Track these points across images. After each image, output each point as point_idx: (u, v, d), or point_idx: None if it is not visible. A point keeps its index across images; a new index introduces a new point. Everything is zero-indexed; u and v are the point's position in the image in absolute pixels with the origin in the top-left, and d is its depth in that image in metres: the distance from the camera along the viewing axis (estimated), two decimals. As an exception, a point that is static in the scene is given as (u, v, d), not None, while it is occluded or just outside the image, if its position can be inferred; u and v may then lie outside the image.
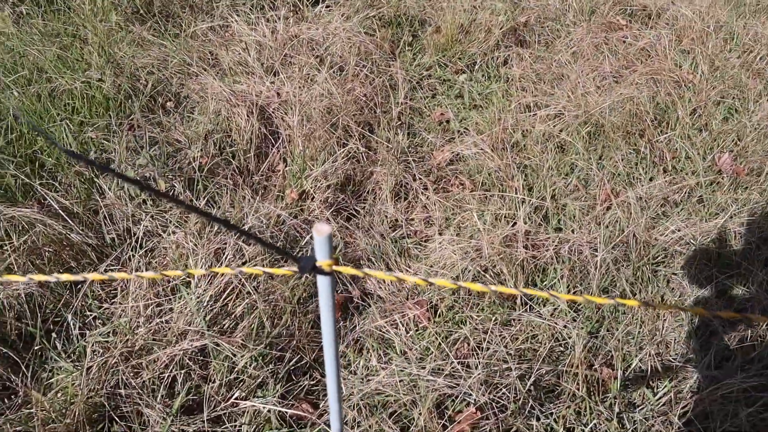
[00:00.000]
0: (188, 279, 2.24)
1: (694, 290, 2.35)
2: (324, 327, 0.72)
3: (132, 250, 2.37)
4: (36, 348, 2.11)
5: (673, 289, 2.37)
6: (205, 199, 2.50)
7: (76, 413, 1.90)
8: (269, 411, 1.96)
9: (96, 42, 3.22)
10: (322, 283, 0.67)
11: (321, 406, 2.03)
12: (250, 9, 3.63)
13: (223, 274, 2.21)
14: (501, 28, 3.63)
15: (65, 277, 0.99)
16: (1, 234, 2.34)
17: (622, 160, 2.82)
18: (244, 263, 2.27)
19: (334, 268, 0.67)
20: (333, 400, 0.82)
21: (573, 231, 2.46)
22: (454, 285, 0.74)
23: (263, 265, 2.28)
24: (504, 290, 0.79)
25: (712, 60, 3.45)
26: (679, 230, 2.50)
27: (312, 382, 2.10)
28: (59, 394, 1.99)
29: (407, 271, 2.42)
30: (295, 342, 2.12)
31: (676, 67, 3.40)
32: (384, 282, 2.34)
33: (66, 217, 2.40)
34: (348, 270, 0.71)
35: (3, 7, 3.40)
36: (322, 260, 0.65)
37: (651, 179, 2.77)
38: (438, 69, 3.50)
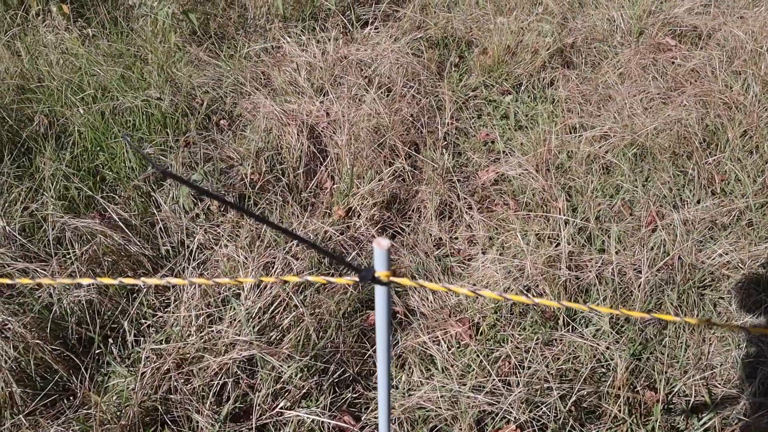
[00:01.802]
0: (238, 290, 2.32)
1: (741, 315, 2.32)
2: (378, 334, 0.78)
3: (185, 262, 2.47)
4: (94, 352, 2.22)
5: (719, 313, 2.35)
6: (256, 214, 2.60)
7: (131, 416, 2.00)
8: (313, 421, 2.02)
9: (156, 62, 3.38)
10: (380, 292, 0.73)
11: (363, 419, 2.08)
12: (302, 31, 3.74)
13: (272, 286, 2.29)
14: (548, 50, 3.66)
15: (128, 281, 1.07)
16: (65, 243, 2.48)
17: (669, 182, 2.81)
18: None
19: (391, 278, 0.73)
20: (382, 409, 0.87)
21: (617, 252, 2.47)
22: (500, 297, 0.78)
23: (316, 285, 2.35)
24: (545, 302, 0.83)
25: (764, 81, 3.40)
26: (726, 254, 2.48)
27: (355, 395, 2.15)
28: (115, 397, 2.09)
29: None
30: (339, 355, 2.18)
31: (726, 89, 3.37)
32: (428, 299, 2.39)
33: (125, 229, 2.52)
34: (404, 281, 0.76)
35: (72, 29, 3.59)
36: (381, 271, 0.71)
37: (698, 201, 2.75)
38: (484, 90, 3.55)
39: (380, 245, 0.69)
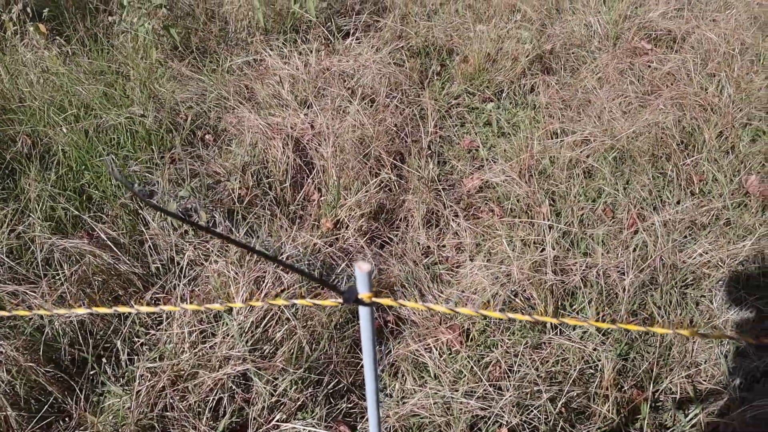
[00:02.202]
0: (230, 306, 2.34)
1: (722, 313, 2.38)
2: (365, 352, 0.81)
3: (176, 279, 2.49)
4: (88, 373, 2.23)
5: (702, 311, 2.41)
6: (245, 229, 2.62)
7: (127, 435, 2.01)
8: (309, 433, 2.05)
9: (138, 78, 3.39)
10: (364, 312, 0.77)
11: (358, 428, 2.11)
12: (283, 43, 3.77)
13: (264, 300, 2.31)
14: (527, 56, 3.72)
15: (122, 309, 1.10)
16: (54, 264, 2.49)
17: (649, 184, 2.87)
18: (282, 290, 2.37)
19: (373, 299, 0.76)
20: (373, 423, 0.91)
21: (601, 255, 2.52)
22: (475, 313, 0.82)
23: (303, 293, 2.38)
24: (520, 317, 0.87)
25: (737, 82, 3.49)
26: (706, 253, 2.54)
27: (349, 405, 2.18)
28: (111, 417, 2.10)
29: (439, 296, 2.50)
30: (333, 366, 2.21)
31: (701, 91, 3.45)
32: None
33: (113, 247, 2.53)
34: (385, 301, 0.80)
35: (51, 48, 3.59)
36: (363, 293, 0.75)
37: (678, 202, 2.81)
38: (466, 98, 3.60)
39: (361, 269, 0.73)
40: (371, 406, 0.87)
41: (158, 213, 2.70)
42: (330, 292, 2.36)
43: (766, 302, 2.41)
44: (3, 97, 3.28)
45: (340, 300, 0.76)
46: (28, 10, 3.69)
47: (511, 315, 0.85)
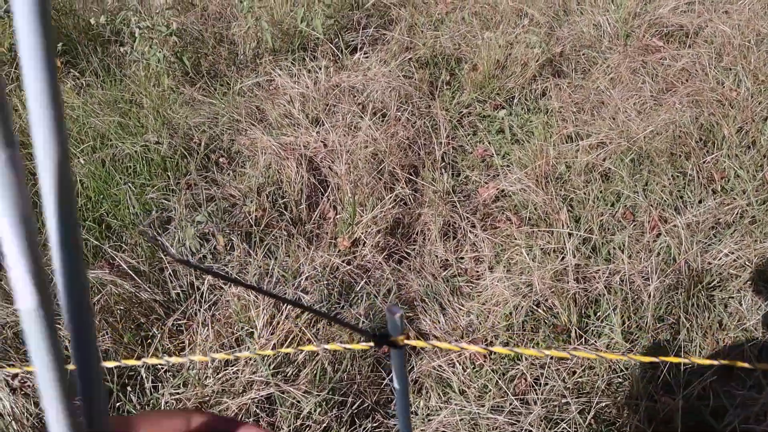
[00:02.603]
0: (251, 329, 2.34)
1: (752, 314, 2.33)
2: (398, 396, 0.80)
3: (197, 304, 2.49)
4: (113, 403, 2.24)
5: (731, 313, 2.35)
6: (263, 251, 2.62)
7: (154, 465, 2.00)
8: (335, 456, 2.03)
9: (151, 106, 3.42)
10: (395, 355, 0.75)
11: (385, 448, 2.09)
12: (292, 62, 3.78)
13: (283, 323, 2.31)
14: (537, 61, 3.69)
15: (129, 362, 1.09)
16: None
17: (669, 185, 2.83)
18: (302, 312, 2.36)
19: (405, 342, 0.75)
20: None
21: (623, 261, 2.48)
22: (510, 351, 0.80)
23: (328, 309, 2.37)
24: (531, 353, 0.85)
25: (755, 75, 3.43)
26: (732, 253, 2.49)
27: (375, 425, 2.16)
28: (137, 448, 2.10)
29: (460, 309, 2.47)
30: (356, 386, 2.19)
31: (718, 86, 3.40)
32: (439, 322, 2.40)
33: (134, 276, 2.54)
34: (417, 343, 0.78)
35: (66, 81, 3.64)
36: (395, 337, 0.73)
37: (700, 202, 2.76)
38: (477, 106, 3.58)
39: (392, 313, 0.71)
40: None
41: (176, 239, 2.71)
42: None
43: (796, 300, 2.35)
44: (21, 132, 3.32)
45: (371, 344, 0.74)
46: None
47: (518, 349, 0.83)
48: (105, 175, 3.01)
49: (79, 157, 3.09)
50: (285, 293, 2.40)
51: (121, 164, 3.10)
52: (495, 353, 2.27)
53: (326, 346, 0.80)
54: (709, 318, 2.32)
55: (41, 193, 0.33)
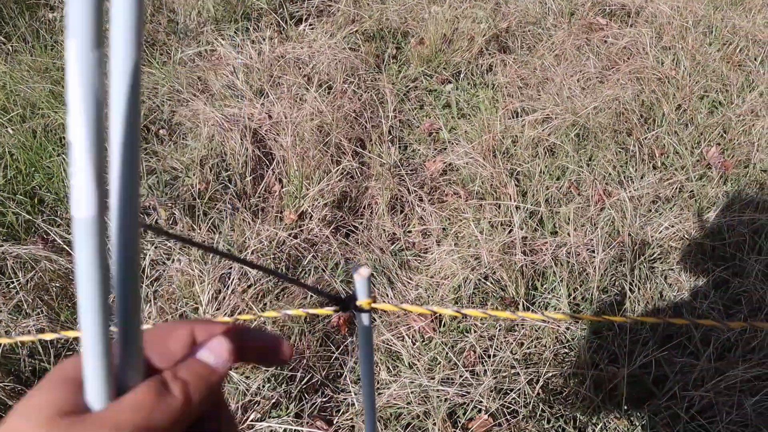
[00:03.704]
0: (196, 305, 2.27)
1: (691, 284, 2.40)
2: (362, 359, 0.77)
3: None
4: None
5: (671, 284, 2.42)
6: (207, 225, 2.54)
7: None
8: (285, 430, 2.00)
9: (85, 74, 3.25)
10: (362, 318, 0.72)
11: (335, 422, 2.07)
12: (235, 32, 3.67)
13: (230, 297, 2.25)
14: (483, 36, 3.69)
15: (69, 333, 1.03)
16: (8, 272, 2.37)
17: (613, 160, 2.88)
18: (249, 286, 2.30)
19: (372, 305, 0.72)
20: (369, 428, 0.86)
21: (569, 234, 2.51)
22: (483, 314, 0.78)
23: (270, 287, 2.32)
24: (506, 315, 0.83)
25: (693, 55, 3.52)
26: (672, 226, 2.56)
27: (324, 399, 2.13)
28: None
29: (408, 283, 2.46)
30: (305, 361, 2.16)
31: (658, 64, 3.47)
32: (387, 296, 2.38)
33: (70, 252, 2.42)
34: (385, 306, 0.75)
35: (-10, 46, 3.42)
36: (362, 299, 0.70)
37: (642, 177, 2.82)
38: (424, 80, 3.55)
39: (361, 275, 0.68)
40: (368, 415, 0.83)
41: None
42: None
43: (732, 272, 2.43)
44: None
45: (338, 308, 0.71)
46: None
47: (492, 312, 0.82)
48: (37, 146, 2.85)
49: (7, 127, 2.92)
50: (231, 268, 2.34)
51: (54, 135, 2.95)
52: (444, 325, 2.27)
53: (288, 312, 0.77)
54: (650, 289, 2.38)
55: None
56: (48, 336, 0.95)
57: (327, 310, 0.75)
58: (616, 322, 2.28)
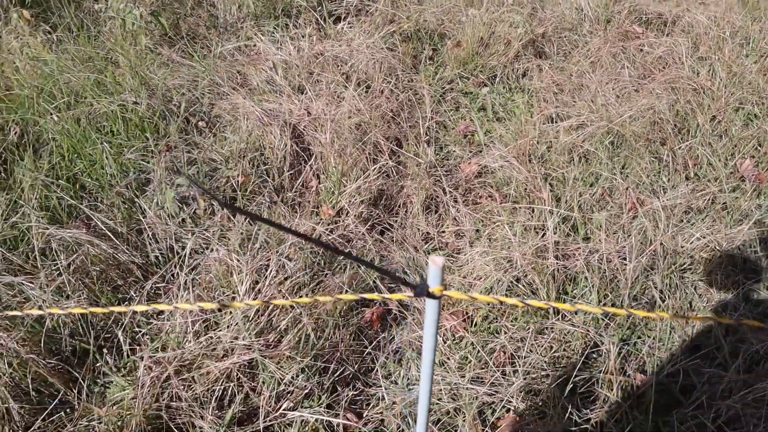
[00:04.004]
0: (234, 294, 2.33)
1: (720, 296, 2.41)
2: (426, 345, 0.81)
3: (177, 268, 2.46)
4: (90, 363, 2.21)
5: (700, 295, 2.44)
6: (246, 217, 2.59)
7: (134, 425, 1.99)
8: (317, 421, 2.05)
9: (128, 65, 3.33)
10: (431, 305, 0.76)
11: (365, 415, 2.11)
12: (275, 28, 3.73)
13: (267, 288, 2.30)
14: (520, 40, 3.71)
15: (118, 309, 1.08)
16: (51, 254, 2.45)
17: (646, 168, 2.89)
18: (286, 278, 2.36)
19: (444, 293, 0.76)
20: (422, 414, 0.91)
21: (601, 240, 2.54)
22: (544, 305, 0.82)
23: (307, 281, 2.37)
24: (566, 308, 0.87)
25: (729, 66, 3.52)
26: (704, 237, 2.57)
27: (355, 392, 2.18)
28: (115, 408, 2.09)
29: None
30: (338, 354, 2.21)
31: (694, 75, 3.47)
32: (420, 294, 2.43)
33: (112, 237, 2.50)
34: (456, 294, 0.79)
35: (36, 35, 3.51)
36: (434, 287, 0.74)
37: (674, 187, 2.84)
38: (460, 82, 3.59)
39: (435, 263, 0.73)
40: (423, 397, 0.87)
41: (155, 202, 2.67)
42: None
43: (763, 285, 2.44)
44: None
45: (411, 294, 0.75)
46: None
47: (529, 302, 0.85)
48: (80, 134, 2.93)
49: (52, 114, 3.00)
50: (269, 259, 2.39)
51: (97, 123, 3.02)
52: (475, 325, 2.31)
53: (366, 296, 0.81)
54: (680, 299, 2.40)
55: None
56: (98, 310, 1.00)
57: (401, 296, 0.79)
58: (647, 322, 2.30)
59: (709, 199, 2.79)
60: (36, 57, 3.39)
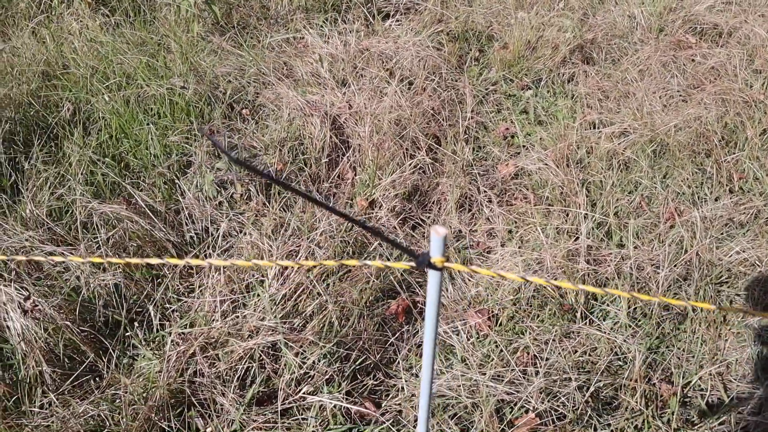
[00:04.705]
0: (262, 278, 2.37)
1: (758, 312, 2.35)
2: (428, 317, 0.82)
3: (210, 249, 2.52)
4: (120, 335, 2.28)
5: (736, 310, 2.37)
6: (280, 204, 2.64)
7: (157, 398, 2.05)
8: (335, 407, 2.07)
9: (179, 51, 3.42)
10: (433, 277, 0.77)
11: (383, 405, 2.12)
12: (323, 22, 3.78)
13: (295, 274, 2.33)
14: (568, 45, 3.67)
15: (153, 260, 1.11)
16: (92, 228, 2.53)
17: (688, 179, 2.83)
18: (315, 266, 2.38)
19: (445, 264, 0.77)
20: (425, 387, 0.91)
21: (636, 248, 2.49)
22: (546, 282, 0.82)
23: (339, 273, 2.40)
24: (567, 286, 0.87)
25: (784, 81, 3.41)
26: (744, 251, 2.50)
27: (375, 382, 2.19)
28: (141, 379, 2.15)
29: (469, 281, 2.49)
30: (361, 342, 2.22)
31: (746, 87, 3.38)
32: (447, 290, 2.43)
33: (150, 215, 2.57)
34: (457, 266, 0.80)
35: (96, 18, 3.64)
36: (436, 257, 0.75)
37: (716, 199, 2.77)
38: (504, 84, 3.57)
39: (437, 232, 0.73)
40: (426, 370, 0.88)
41: (194, 184, 2.73)
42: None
43: (803, 304, 2.37)
44: (48, 64, 3.33)
45: (413, 263, 0.76)
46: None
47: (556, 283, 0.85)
48: (129, 114, 3.02)
49: (103, 94, 3.11)
50: (299, 246, 2.43)
51: (145, 105, 3.11)
52: (500, 324, 2.30)
53: (368, 263, 0.82)
54: (714, 312, 2.34)
55: None
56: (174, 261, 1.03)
57: (403, 264, 0.80)
58: (676, 332, 2.25)
59: (752, 214, 2.71)
60: (93, 39, 3.52)
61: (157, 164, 2.84)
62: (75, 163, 2.75)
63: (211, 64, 3.37)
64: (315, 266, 2.34)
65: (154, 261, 0.99)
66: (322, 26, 3.72)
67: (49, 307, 2.22)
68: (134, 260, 1.06)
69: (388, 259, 2.53)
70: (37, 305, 2.27)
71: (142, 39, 3.53)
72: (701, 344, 2.24)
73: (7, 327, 2.19)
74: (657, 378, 2.14)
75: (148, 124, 2.98)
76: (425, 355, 0.87)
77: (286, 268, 2.40)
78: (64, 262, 2.40)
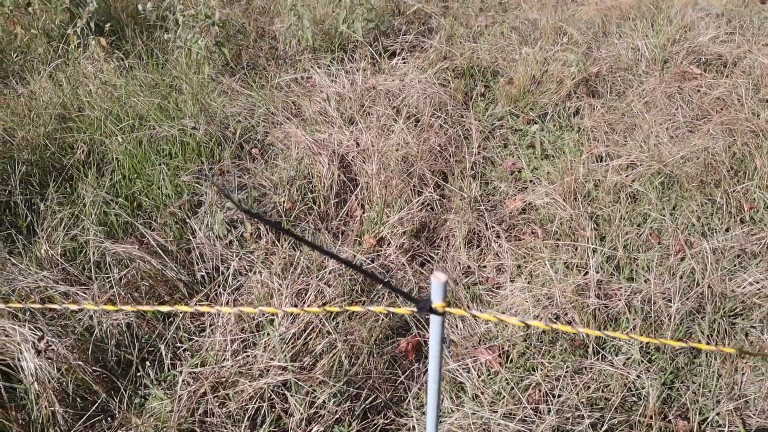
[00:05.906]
0: (272, 317, 2.37)
1: (772, 345, 2.32)
2: (432, 360, 0.83)
3: (220, 288, 2.53)
4: (132, 374, 2.28)
5: (752, 342, 2.35)
6: (289, 242, 2.66)
7: (168, 439, 2.05)
8: (346, 446, 2.05)
9: (190, 92, 3.49)
10: (435, 321, 0.78)
11: (395, 444, 2.11)
12: (331, 62, 3.84)
13: (304, 314, 2.34)
14: (573, 79, 3.71)
15: (163, 308, 1.13)
16: (105, 267, 2.56)
17: (697, 210, 2.83)
18: (324, 303, 2.39)
19: (446, 309, 0.78)
20: (431, 426, 0.92)
21: (646, 281, 2.48)
22: (547, 326, 0.82)
23: (349, 304, 2.40)
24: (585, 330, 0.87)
25: (791, 110, 3.42)
26: (757, 282, 2.48)
27: (386, 421, 2.18)
28: (152, 419, 2.15)
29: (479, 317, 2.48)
30: (371, 381, 2.22)
31: (753, 116, 3.39)
32: (457, 327, 2.42)
33: (162, 254, 2.59)
34: (458, 311, 0.81)
35: (110, 61, 3.73)
36: (437, 303, 0.76)
37: (727, 230, 2.76)
38: (510, 119, 3.60)
39: (438, 279, 0.74)
40: (431, 413, 0.88)
41: (205, 223, 2.76)
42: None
43: (818, 336, 2.34)
44: (64, 106, 3.41)
45: (414, 308, 0.78)
46: (91, 24, 3.84)
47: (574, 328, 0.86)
48: (141, 155, 3.07)
49: (117, 135, 3.16)
50: (308, 284, 2.44)
51: (157, 145, 3.17)
52: (511, 361, 2.29)
53: (372, 309, 0.83)
54: (729, 345, 2.32)
55: None
56: (163, 308, 1.05)
57: (405, 310, 0.81)
58: (692, 367, 2.23)
59: (765, 244, 2.70)
60: (107, 81, 3.60)
61: (169, 204, 2.87)
62: (89, 203, 2.80)
63: (222, 105, 3.44)
64: (322, 307, 2.35)
65: (165, 309, 1.00)
66: (329, 66, 3.78)
67: (62, 347, 2.24)
68: (146, 308, 1.07)
69: (397, 297, 2.53)
70: (50, 345, 2.29)
71: (155, 81, 3.60)
72: (717, 379, 2.21)
73: (21, 367, 2.21)
74: (673, 414, 2.11)
75: (160, 165, 3.03)
76: (429, 398, 0.88)
77: (296, 305, 2.41)
78: (77, 303, 2.42)
